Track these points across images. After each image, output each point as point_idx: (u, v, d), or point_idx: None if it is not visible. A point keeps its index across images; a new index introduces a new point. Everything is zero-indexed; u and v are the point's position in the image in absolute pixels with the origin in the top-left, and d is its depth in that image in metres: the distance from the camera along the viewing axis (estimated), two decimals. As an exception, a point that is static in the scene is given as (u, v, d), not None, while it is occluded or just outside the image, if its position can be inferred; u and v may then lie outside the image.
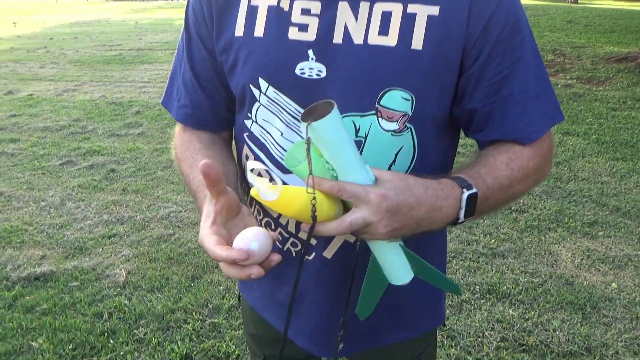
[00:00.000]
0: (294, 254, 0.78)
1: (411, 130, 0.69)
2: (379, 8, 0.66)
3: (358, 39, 0.66)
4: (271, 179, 0.72)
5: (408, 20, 0.65)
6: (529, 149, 0.70)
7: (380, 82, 0.66)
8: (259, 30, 0.71)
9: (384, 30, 0.65)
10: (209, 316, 2.11)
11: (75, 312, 2.15)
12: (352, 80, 0.67)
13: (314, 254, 0.76)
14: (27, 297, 2.27)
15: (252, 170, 0.55)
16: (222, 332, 2.00)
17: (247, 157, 0.79)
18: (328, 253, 0.76)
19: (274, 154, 0.74)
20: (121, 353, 1.90)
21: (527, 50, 0.68)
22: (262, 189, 0.55)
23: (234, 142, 0.89)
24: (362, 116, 0.68)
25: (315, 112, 0.55)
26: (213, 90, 0.80)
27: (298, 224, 0.75)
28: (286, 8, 0.69)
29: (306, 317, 0.83)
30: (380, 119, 0.68)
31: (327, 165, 0.58)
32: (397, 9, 0.65)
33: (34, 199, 3.42)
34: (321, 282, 0.79)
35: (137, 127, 5.13)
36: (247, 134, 0.77)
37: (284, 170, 0.73)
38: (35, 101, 6.31)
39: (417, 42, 0.65)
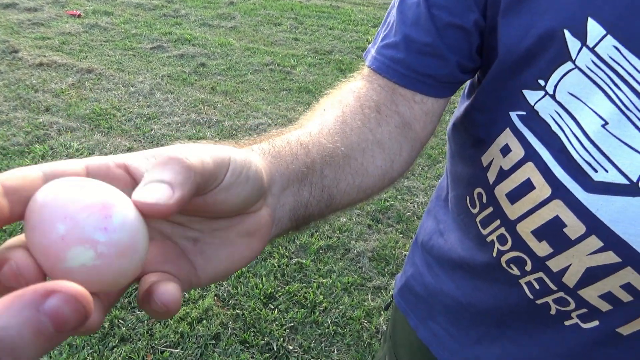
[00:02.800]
0: (552, 312, 0.50)
1: None
2: None
3: None
4: None
5: None
6: None
7: None
8: None
9: None
10: (296, 254, 1.94)
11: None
12: None
13: (596, 321, 0.48)
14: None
15: None
16: (309, 277, 1.83)
17: (505, 150, 0.46)
18: (626, 329, 0.47)
19: (573, 154, 0.41)
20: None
21: None
22: None
23: (451, 129, 0.58)
24: None
25: None
26: (453, 31, 0.46)
27: (583, 278, 0.46)
28: None
29: None
30: None
31: None
32: None
33: (123, 82, 3.29)
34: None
35: (230, 19, 4.83)
36: (521, 113, 0.45)
37: (588, 186, 0.41)
38: (130, -27, 6.09)
39: None
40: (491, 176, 0.48)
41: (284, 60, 3.95)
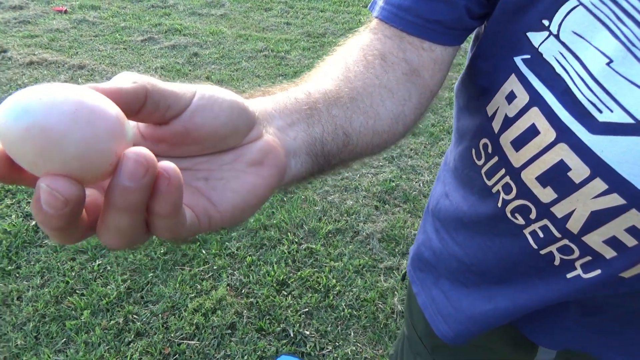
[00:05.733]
0: (556, 262, 0.49)
1: None
2: None
3: None
4: None
5: None
6: None
7: None
8: None
9: None
10: (305, 240, 1.93)
11: (165, 212, 2.03)
12: None
13: (598, 270, 0.47)
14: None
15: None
16: (320, 261, 1.82)
17: (511, 97, 0.45)
18: (628, 272, 0.47)
19: (578, 95, 0.40)
20: (214, 267, 1.77)
21: None
22: None
23: (458, 84, 0.57)
24: None
25: None
26: None
27: (588, 223, 0.44)
28: None
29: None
30: None
31: None
32: None
33: (115, 74, 3.24)
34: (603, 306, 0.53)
35: (219, 7, 4.75)
36: (526, 56, 0.44)
37: (592, 127, 0.39)
38: (114, -35, 5.97)
39: None
40: (496, 125, 0.47)
41: (277, 45, 3.90)
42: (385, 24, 0.46)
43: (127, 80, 0.26)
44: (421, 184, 2.30)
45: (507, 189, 0.49)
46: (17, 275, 1.69)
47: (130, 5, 4.64)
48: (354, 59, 0.44)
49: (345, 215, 2.07)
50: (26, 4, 4.49)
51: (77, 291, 1.64)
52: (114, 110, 0.23)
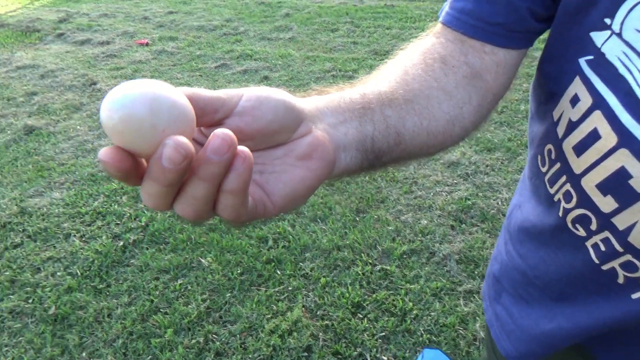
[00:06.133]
0: (620, 280, 0.45)
1: None
2: None
3: None
4: None
5: None
6: None
7: None
8: None
9: None
10: (379, 261, 1.90)
11: (240, 233, 2.08)
12: None
13: None
14: (194, 209, 2.25)
15: None
16: (395, 283, 1.78)
17: (575, 100, 0.42)
18: None
19: None
20: (289, 288, 1.78)
21: None
22: None
23: (530, 89, 0.55)
24: None
25: None
26: None
27: None
28: None
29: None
30: None
31: None
32: None
33: (193, 102, 3.41)
34: None
35: (287, 31, 4.89)
36: (589, 57, 0.41)
37: None
38: (189, -2, 6.34)
39: None
40: (560, 130, 0.45)
41: (345, 65, 3.93)
42: (448, 28, 0.47)
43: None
44: (499, 202, 2.19)
45: (567, 196, 0.46)
46: (107, 293, 1.80)
47: (204, 35, 4.90)
48: (413, 62, 0.45)
49: (420, 235, 2.02)
50: (112, 39, 4.87)
51: (161, 310, 1.71)
52: (183, 98, 0.28)
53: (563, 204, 0.47)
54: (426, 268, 1.84)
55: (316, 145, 0.34)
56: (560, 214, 0.48)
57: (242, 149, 0.27)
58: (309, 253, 1.95)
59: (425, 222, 2.09)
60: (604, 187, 0.41)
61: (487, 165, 2.48)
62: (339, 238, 2.02)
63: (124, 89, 0.26)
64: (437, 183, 2.36)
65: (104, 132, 2.99)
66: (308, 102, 0.37)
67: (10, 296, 1.80)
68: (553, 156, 0.48)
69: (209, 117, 0.31)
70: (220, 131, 0.26)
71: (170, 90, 0.28)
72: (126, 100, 0.26)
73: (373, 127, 0.39)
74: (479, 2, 0.45)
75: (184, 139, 0.26)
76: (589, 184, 0.42)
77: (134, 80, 0.27)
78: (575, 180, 0.44)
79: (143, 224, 2.15)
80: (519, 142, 2.66)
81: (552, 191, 0.49)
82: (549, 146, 0.49)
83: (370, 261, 1.89)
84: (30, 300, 1.78)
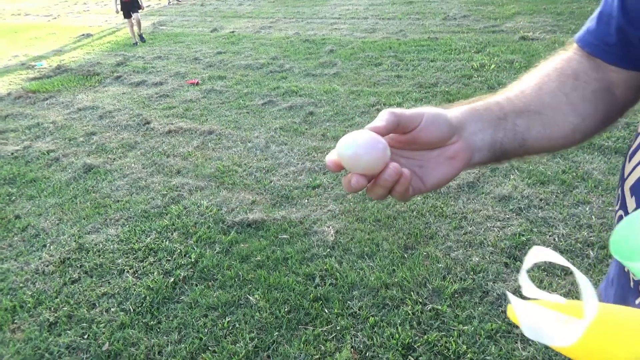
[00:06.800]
0: (632, 284, 0.45)
1: None
2: None
3: None
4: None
5: None
6: None
7: None
8: None
9: None
10: (429, 300, 1.84)
11: (287, 269, 2.08)
12: None
13: None
14: (242, 245, 2.27)
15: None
16: (447, 324, 1.71)
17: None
18: None
19: None
20: (337, 327, 1.75)
21: None
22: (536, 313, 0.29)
23: None
24: None
25: None
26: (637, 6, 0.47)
27: None
28: None
29: None
30: None
31: None
32: None
33: (241, 139, 3.50)
34: None
35: (332, 66, 4.98)
36: None
37: None
38: (237, 38, 6.61)
39: None
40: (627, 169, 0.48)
41: (389, 98, 3.95)
42: (579, 47, 0.53)
43: (384, 117, 0.44)
44: (556, 238, 2.09)
45: (616, 199, 0.50)
46: (158, 330, 1.82)
47: (251, 73, 5.06)
48: (549, 77, 0.52)
49: (472, 273, 1.94)
50: (165, 80, 5.11)
51: (210, 348, 1.72)
52: (382, 142, 0.43)
53: (614, 206, 0.51)
54: (479, 308, 1.76)
55: (460, 151, 0.48)
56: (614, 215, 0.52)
57: (405, 171, 0.43)
58: (356, 291, 1.91)
59: (477, 259, 2.02)
60: (635, 188, 0.44)
61: (540, 199, 2.38)
62: (387, 275, 1.97)
63: (351, 136, 0.43)
64: (487, 218, 2.29)
65: (156, 169, 3.13)
66: (458, 113, 0.50)
67: (67, 331, 1.85)
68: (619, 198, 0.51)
69: (401, 129, 0.46)
70: (393, 165, 0.43)
71: (371, 135, 0.43)
72: (353, 142, 0.43)
73: (504, 134, 0.50)
74: (599, 23, 0.50)
75: (397, 165, 0.43)
76: (626, 186, 0.46)
77: (355, 131, 0.44)
78: (621, 182, 0.48)
79: (193, 260, 2.19)
80: (574, 174, 2.55)
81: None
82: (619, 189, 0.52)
83: (420, 300, 1.83)
84: (85, 336, 1.83)
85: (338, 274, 2.01)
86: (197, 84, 4.87)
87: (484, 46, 5.08)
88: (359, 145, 0.42)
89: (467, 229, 2.23)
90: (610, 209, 2.26)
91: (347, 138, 0.43)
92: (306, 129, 3.55)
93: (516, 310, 0.31)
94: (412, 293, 1.87)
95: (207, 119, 3.95)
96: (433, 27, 6.14)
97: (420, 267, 2.01)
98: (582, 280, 0.29)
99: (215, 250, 2.25)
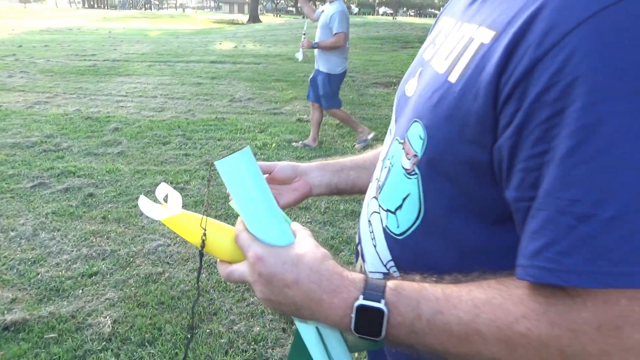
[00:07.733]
0: None
1: (418, 177, 0.56)
2: (461, 29, 0.57)
3: (432, 60, 0.62)
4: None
5: (466, 46, 0.53)
6: (530, 298, 0.43)
7: (417, 110, 0.58)
8: None
9: (447, 54, 0.57)
10: (212, 378, 1.84)
11: (53, 373, 1.85)
12: (412, 102, 0.62)
13: None
14: (-5, 353, 1.95)
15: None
16: (229, 399, 1.74)
17: None
18: None
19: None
20: None
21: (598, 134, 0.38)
22: (153, 207, 0.61)
23: None
24: (399, 142, 0.62)
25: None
26: None
27: None
28: None
29: None
30: (403, 151, 0.59)
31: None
32: (469, 32, 0.54)
33: (1, 227, 3.07)
34: None
35: (116, 145, 4.80)
36: None
37: None
38: (4, 114, 5.89)
39: (455, 74, 0.52)
40: None
41: (177, 177, 3.97)
42: None
43: (283, 169, 0.84)
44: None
45: None
46: None
47: (20, 152, 4.54)
48: (376, 152, 0.87)
49: (253, 343, 2.03)
50: None
51: None
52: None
53: None
54: (259, 377, 1.84)
55: (301, 187, 0.83)
56: None
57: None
58: (135, 383, 1.81)
59: (258, 328, 2.12)
60: None
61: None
62: (168, 360, 1.92)
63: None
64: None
65: None
66: (308, 165, 0.85)
67: None
68: None
69: (266, 172, 0.80)
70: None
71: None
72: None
73: (339, 178, 0.86)
74: None
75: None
76: None
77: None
78: None
79: None
80: (340, 239, 2.92)
81: None
82: None
83: (202, 380, 1.83)
84: None
85: (114, 368, 1.88)
86: (-55, 165, 4.13)
87: (266, 126, 5.56)
88: None
89: (250, 300, 2.34)
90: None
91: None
92: (84, 212, 3.31)
93: (140, 201, 0.61)
94: (194, 374, 1.85)
95: (-44, 207, 3.36)
96: (220, 108, 6.47)
97: (204, 346, 2.01)
98: (173, 194, 0.61)
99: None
